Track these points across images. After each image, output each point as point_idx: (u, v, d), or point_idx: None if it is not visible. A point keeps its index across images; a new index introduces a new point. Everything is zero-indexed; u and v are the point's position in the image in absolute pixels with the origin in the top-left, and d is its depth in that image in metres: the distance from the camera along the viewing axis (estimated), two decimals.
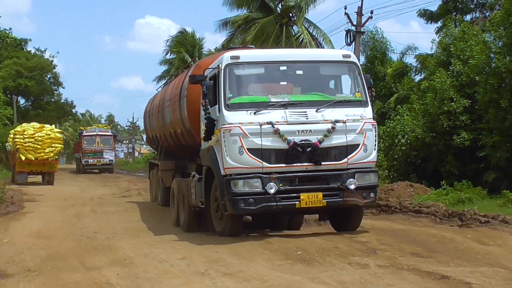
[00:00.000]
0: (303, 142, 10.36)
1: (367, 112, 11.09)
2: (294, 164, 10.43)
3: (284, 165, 10.42)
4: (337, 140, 10.67)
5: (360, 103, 11.19)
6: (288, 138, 10.23)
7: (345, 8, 27.87)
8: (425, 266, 8.53)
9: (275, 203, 10.11)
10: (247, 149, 10.23)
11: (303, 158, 10.38)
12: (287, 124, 10.41)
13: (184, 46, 47.84)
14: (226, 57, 10.92)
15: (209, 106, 10.78)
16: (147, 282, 8.62)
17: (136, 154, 75.43)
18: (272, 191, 10.13)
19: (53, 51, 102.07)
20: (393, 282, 7.67)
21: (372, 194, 11.01)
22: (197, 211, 13.36)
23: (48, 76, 62.02)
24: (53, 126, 36.65)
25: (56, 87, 64.49)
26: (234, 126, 10.28)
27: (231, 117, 10.40)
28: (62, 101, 66.79)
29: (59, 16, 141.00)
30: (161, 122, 17.90)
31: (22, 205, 21.54)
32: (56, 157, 33.21)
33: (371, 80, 12.06)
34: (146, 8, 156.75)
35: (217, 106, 10.85)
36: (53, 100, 63.75)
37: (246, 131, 10.25)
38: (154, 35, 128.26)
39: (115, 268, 9.84)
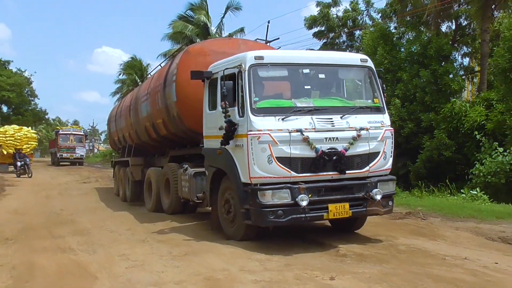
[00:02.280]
0: (331, 150, 7.89)
1: (386, 118, 8.69)
2: (321, 173, 7.94)
3: (310, 174, 7.88)
4: (361, 148, 8.19)
5: (379, 110, 8.71)
6: (317, 146, 7.79)
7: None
8: None
9: (304, 215, 7.71)
10: (276, 157, 7.64)
11: (328, 166, 7.93)
12: (315, 131, 7.85)
13: (134, 69, 47.79)
14: (250, 57, 8.02)
15: (228, 108, 7.99)
16: (101, 248, 8.64)
17: (95, 151, 74.24)
18: (304, 203, 7.60)
19: (31, 71, 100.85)
20: None
21: (390, 203, 8.67)
22: (181, 201, 11.38)
23: (26, 89, 61.03)
24: (30, 128, 36.79)
25: (32, 98, 64.28)
26: (263, 133, 7.62)
27: (259, 122, 7.69)
28: (37, 109, 66.32)
29: (35, 43, 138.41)
30: (133, 119, 15.13)
31: (3, 189, 21.09)
32: (32, 152, 32.62)
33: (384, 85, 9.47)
34: (102, 40, 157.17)
35: (236, 108, 8.05)
36: (30, 108, 63.22)
37: (276, 138, 7.63)
38: (108, 61, 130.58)
39: (76, 237, 9.79)
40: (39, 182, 25.09)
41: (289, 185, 7.70)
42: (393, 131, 8.72)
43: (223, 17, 32.09)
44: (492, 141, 15.48)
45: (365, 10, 30.70)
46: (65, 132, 46.62)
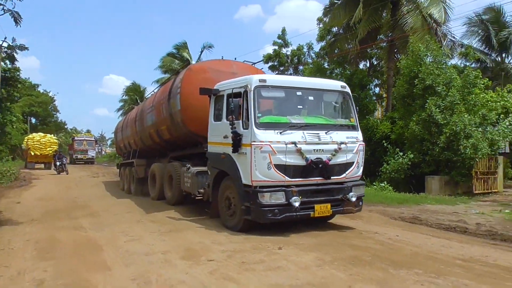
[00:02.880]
0: (317, 159, 7.42)
1: (359, 135, 8.22)
2: (309, 179, 7.45)
3: (301, 179, 7.38)
4: (341, 158, 7.71)
5: (354, 127, 8.22)
6: (307, 156, 7.32)
7: None
8: None
9: (295, 213, 7.17)
10: (274, 165, 7.15)
11: (315, 173, 7.46)
12: (305, 144, 7.37)
13: (134, 92, 47.35)
14: (255, 79, 7.53)
15: (234, 121, 7.42)
16: (106, 226, 8.43)
17: (103, 153, 72.59)
18: (297, 204, 7.08)
19: (55, 91, 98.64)
20: None
21: (360, 203, 8.15)
22: (183, 193, 10.51)
23: (50, 106, 59.51)
24: (52, 135, 36.28)
25: (55, 112, 62.68)
26: (265, 144, 7.12)
27: (262, 135, 7.19)
28: (59, 121, 64.73)
29: (59, 71, 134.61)
30: (138, 128, 14.34)
31: (31, 181, 20.35)
32: (54, 153, 31.73)
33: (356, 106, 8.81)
34: (110, 69, 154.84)
35: (240, 121, 7.46)
36: (53, 120, 61.41)
37: (275, 149, 7.16)
38: (114, 85, 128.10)
39: (87, 218, 9.53)
40: (59, 177, 24.29)
41: (284, 188, 7.19)
42: (364, 145, 8.30)
43: (200, 53, 32.25)
44: (395, 147, 15.79)
45: (307, 51, 31.30)
46: (79, 138, 45.15)
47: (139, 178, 14.17)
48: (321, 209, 7.40)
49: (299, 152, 7.28)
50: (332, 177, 7.62)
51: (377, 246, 6.48)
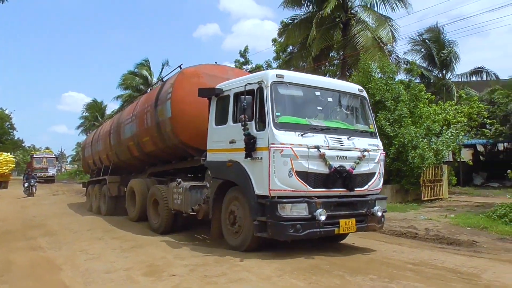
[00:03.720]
0: (341, 167, 6.34)
1: (379, 143, 7.18)
2: (332, 189, 6.33)
3: (323, 189, 6.25)
4: (364, 167, 6.65)
5: (373, 135, 7.20)
6: (330, 163, 6.24)
7: None
8: None
9: (318, 229, 6.04)
10: (296, 171, 6.00)
11: (338, 183, 6.36)
12: (329, 149, 6.27)
13: (95, 109, 46.24)
14: (272, 74, 6.40)
15: (248, 122, 6.30)
16: (65, 245, 8.05)
17: (63, 170, 69.63)
18: (322, 218, 5.96)
19: (12, 109, 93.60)
20: None
21: (383, 219, 6.97)
22: (172, 213, 8.82)
23: (7, 123, 56.47)
24: (8, 153, 34.46)
25: (12, 130, 59.33)
26: (285, 147, 5.96)
27: (282, 136, 6.02)
28: (16, 138, 61.41)
29: (16, 89, 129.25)
30: (113, 141, 12.83)
31: None
32: (10, 172, 30.15)
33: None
34: (69, 86, 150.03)
35: (253, 122, 6.34)
36: (9, 138, 58.17)
37: (297, 153, 6.00)
38: (74, 102, 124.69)
39: (45, 237, 9.03)
40: (15, 195, 22.97)
41: (306, 199, 6.06)
42: (384, 154, 7.34)
43: (161, 71, 32.24)
44: None
45: (265, 69, 31.67)
46: (39, 156, 43.11)
47: (112, 197, 12.89)
48: (346, 225, 6.35)
49: (323, 158, 6.23)
50: (355, 189, 6.60)
51: (335, 254, 6.56)
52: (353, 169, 6.51)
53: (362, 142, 6.81)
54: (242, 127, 6.31)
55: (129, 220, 10.86)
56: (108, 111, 47.40)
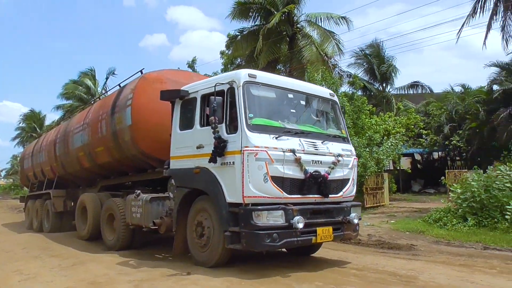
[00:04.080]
0: (316, 173, 5.99)
1: (352, 148, 6.95)
2: (307, 196, 5.99)
3: (298, 196, 5.88)
4: (338, 173, 6.36)
5: (345, 140, 6.92)
6: (306, 167, 5.89)
7: None
8: None
9: (296, 239, 5.64)
10: (271, 176, 5.60)
11: (313, 189, 6.02)
12: (304, 153, 5.92)
13: (33, 119, 43.71)
14: (244, 74, 6.02)
15: (218, 124, 5.83)
16: None
17: None
18: (300, 226, 5.58)
19: None
20: None
21: (358, 227, 6.72)
22: (130, 229, 8.13)
23: None
24: None
25: None
26: (260, 150, 5.56)
27: (256, 139, 5.61)
28: None
29: None
30: (59, 152, 11.74)
31: None
32: None
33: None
34: (3, 95, 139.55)
35: (223, 125, 5.92)
36: None
37: (272, 156, 5.60)
38: (9, 112, 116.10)
39: None
40: None
41: (282, 205, 5.63)
42: (357, 160, 7.04)
43: (105, 81, 31.26)
44: None
45: None
46: None
47: (57, 213, 11.84)
48: (324, 233, 6.01)
49: (298, 162, 5.86)
50: (331, 195, 6.29)
51: (284, 263, 6.62)
52: (329, 174, 6.19)
53: (335, 147, 6.52)
54: (212, 130, 5.79)
55: (78, 239, 9.97)
56: (47, 122, 45.14)
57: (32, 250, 8.86)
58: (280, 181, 5.70)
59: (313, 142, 6.21)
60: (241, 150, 5.61)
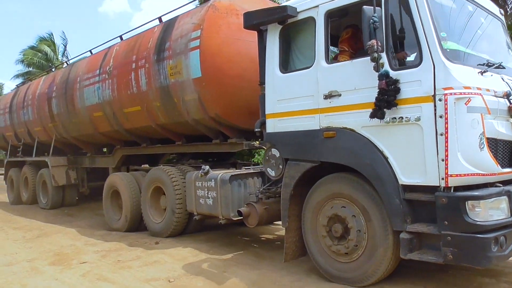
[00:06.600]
0: None
1: None
2: None
3: (510, 169, 3.65)
4: None
5: None
6: None
7: None
8: None
9: None
10: (487, 139, 3.39)
11: None
12: None
13: None
14: None
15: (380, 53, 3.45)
16: None
17: None
18: None
19: None
20: None
21: None
22: (187, 215, 6.13)
23: None
24: None
25: None
26: (473, 94, 3.31)
27: (462, 75, 3.35)
28: None
29: None
30: (62, 109, 8.79)
31: None
32: None
33: None
34: None
35: (384, 55, 3.53)
36: None
37: (488, 104, 3.41)
38: None
39: None
40: None
41: (505, 189, 3.45)
42: None
43: (65, 48, 29.82)
44: None
45: None
46: None
47: (59, 187, 9.73)
48: None
49: (511, 113, 3.68)
50: None
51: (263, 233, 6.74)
52: None
53: None
54: (373, 63, 3.48)
55: (111, 230, 7.30)
56: (5, 91, 42.94)
57: None
58: (494, 146, 3.56)
59: None
60: (434, 95, 3.37)
